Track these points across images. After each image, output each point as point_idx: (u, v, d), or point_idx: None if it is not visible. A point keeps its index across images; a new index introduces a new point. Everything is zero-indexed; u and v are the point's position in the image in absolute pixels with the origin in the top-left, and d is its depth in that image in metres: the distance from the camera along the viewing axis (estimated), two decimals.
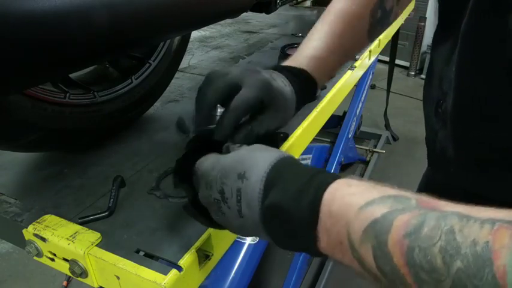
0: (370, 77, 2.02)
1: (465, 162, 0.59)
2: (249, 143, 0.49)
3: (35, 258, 0.64)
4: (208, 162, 0.47)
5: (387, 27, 0.73)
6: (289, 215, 0.38)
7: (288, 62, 0.62)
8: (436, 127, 0.63)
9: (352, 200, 0.36)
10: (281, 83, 0.56)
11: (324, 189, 0.38)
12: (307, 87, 0.61)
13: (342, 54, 0.65)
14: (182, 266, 0.55)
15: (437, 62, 0.63)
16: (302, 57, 0.62)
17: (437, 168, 0.67)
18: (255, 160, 0.43)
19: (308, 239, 0.38)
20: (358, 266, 0.36)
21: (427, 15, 3.93)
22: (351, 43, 0.66)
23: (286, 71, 0.60)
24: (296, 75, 0.60)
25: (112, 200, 0.67)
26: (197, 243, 0.58)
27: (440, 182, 0.65)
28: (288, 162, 0.43)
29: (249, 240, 0.92)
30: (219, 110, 0.98)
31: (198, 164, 0.49)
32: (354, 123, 1.97)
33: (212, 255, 0.61)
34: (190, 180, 0.51)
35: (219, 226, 0.49)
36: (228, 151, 0.49)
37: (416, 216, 0.32)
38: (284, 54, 1.28)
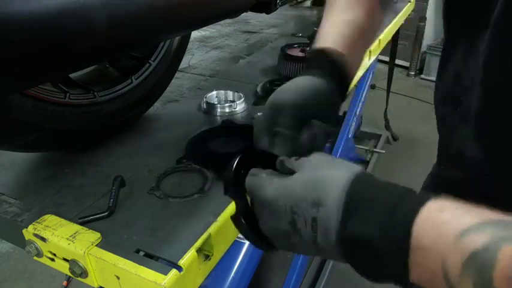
0: (370, 77, 2.02)
1: (487, 162, 0.55)
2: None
3: (35, 258, 0.64)
4: (272, 188, 0.42)
5: None
6: (376, 249, 0.35)
7: (322, 41, 0.58)
8: (455, 125, 0.60)
9: (447, 230, 0.32)
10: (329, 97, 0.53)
11: (413, 220, 0.34)
12: (338, 67, 0.58)
13: (364, 29, 0.62)
14: (182, 266, 0.55)
15: (452, 57, 0.61)
16: (327, 36, 0.58)
17: (451, 168, 0.64)
18: (328, 182, 0.39)
19: (398, 272, 0.35)
20: None
21: (427, 15, 3.93)
22: (367, 17, 0.62)
23: (316, 66, 0.56)
24: (326, 64, 0.56)
25: (112, 200, 0.66)
26: (197, 243, 0.58)
27: (454, 182, 0.62)
28: (364, 181, 0.39)
29: None
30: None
31: (254, 187, 0.44)
32: (354, 123, 1.97)
33: (212, 255, 0.61)
34: (244, 192, 0.46)
35: (275, 248, 0.46)
36: (283, 166, 0.45)
37: None
38: (284, 54, 1.28)
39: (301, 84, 0.53)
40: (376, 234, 0.35)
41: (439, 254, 0.32)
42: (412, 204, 0.35)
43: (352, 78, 0.60)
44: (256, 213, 0.45)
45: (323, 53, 0.57)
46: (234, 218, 0.46)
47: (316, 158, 0.43)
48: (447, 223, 0.32)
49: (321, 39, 0.59)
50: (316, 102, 0.51)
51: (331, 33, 0.59)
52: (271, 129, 0.50)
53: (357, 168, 0.41)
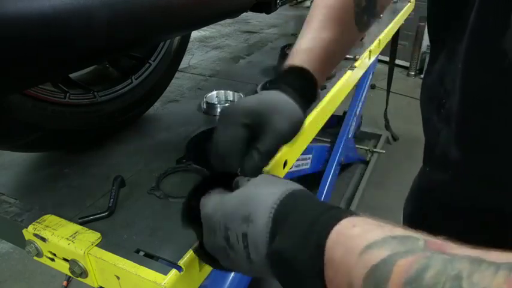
0: (370, 77, 2.02)
1: (467, 166, 0.55)
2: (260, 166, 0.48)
3: (35, 258, 0.64)
4: (210, 204, 0.44)
5: (377, 17, 0.71)
6: (293, 264, 0.36)
7: (288, 61, 0.62)
8: (438, 127, 0.60)
9: (354, 244, 0.32)
10: (258, 98, 0.55)
11: (328, 233, 0.35)
12: (309, 89, 0.60)
13: (336, 46, 0.65)
14: (182, 266, 0.55)
15: (437, 58, 0.61)
16: (299, 52, 0.62)
17: (436, 170, 0.64)
18: (260, 199, 0.40)
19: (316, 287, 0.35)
20: None
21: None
22: (342, 35, 0.65)
23: (289, 78, 0.59)
24: (298, 78, 0.59)
25: (112, 200, 0.66)
26: (197, 243, 0.58)
27: (439, 184, 0.62)
28: (294, 198, 0.40)
29: None
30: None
31: (201, 206, 0.45)
32: (354, 123, 1.97)
33: None
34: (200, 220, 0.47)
35: (231, 270, 0.47)
36: (237, 186, 0.46)
37: (419, 259, 0.28)
38: (284, 54, 1.28)
39: (258, 95, 0.54)
40: (293, 250, 0.36)
41: (346, 267, 0.32)
42: (328, 220, 0.36)
43: (315, 95, 0.61)
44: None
45: (290, 70, 0.59)
46: (194, 248, 0.48)
47: (259, 177, 0.45)
48: (356, 238, 0.33)
49: (291, 57, 0.62)
50: (272, 110, 0.52)
51: (302, 52, 0.62)
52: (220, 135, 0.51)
53: (292, 186, 0.42)
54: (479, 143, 0.53)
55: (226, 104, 1.03)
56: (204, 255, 0.47)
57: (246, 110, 0.51)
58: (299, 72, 0.59)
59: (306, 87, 0.59)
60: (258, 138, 0.50)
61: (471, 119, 0.53)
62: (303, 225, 0.37)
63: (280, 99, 0.54)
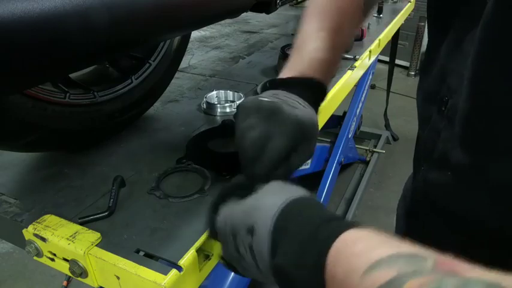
0: (370, 77, 2.02)
1: (472, 169, 0.51)
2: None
3: (35, 258, 0.64)
4: (221, 217, 0.44)
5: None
6: (293, 280, 0.35)
7: (291, 69, 0.60)
8: (439, 126, 0.56)
9: (356, 263, 0.31)
10: (308, 112, 0.54)
11: (328, 249, 0.33)
12: (320, 95, 0.61)
13: (342, 46, 0.63)
14: (182, 266, 0.55)
15: (438, 54, 0.57)
16: (306, 62, 0.60)
17: (433, 170, 0.60)
18: (262, 210, 0.40)
19: None
20: None
21: (427, 15, 3.92)
22: (349, 31, 0.64)
23: (301, 88, 0.57)
24: (309, 87, 0.58)
25: (112, 200, 0.66)
26: (197, 243, 0.58)
27: (435, 186, 0.58)
28: (296, 206, 0.39)
29: None
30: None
31: (217, 218, 0.46)
32: (354, 123, 1.97)
33: (212, 255, 0.61)
34: None
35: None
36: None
37: (429, 282, 0.26)
38: (284, 54, 1.28)
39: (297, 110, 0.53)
40: (292, 266, 0.35)
41: (349, 287, 0.31)
42: (328, 235, 0.34)
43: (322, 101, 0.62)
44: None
45: (306, 83, 0.58)
46: (220, 256, 0.47)
47: (269, 184, 0.44)
48: (359, 255, 0.31)
49: (303, 59, 0.61)
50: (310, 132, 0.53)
51: (312, 60, 0.60)
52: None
53: (295, 194, 0.40)
54: (488, 146, 0.49)
55: (226, 104, 1.03)
56: (228, 263, 0.47)
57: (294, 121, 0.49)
58: (317, 87, 0.59)
59: (319, 100, 0.60)
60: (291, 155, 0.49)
61: (480, 120, 0.48)
62: (302, 237, 0.35)
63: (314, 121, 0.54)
